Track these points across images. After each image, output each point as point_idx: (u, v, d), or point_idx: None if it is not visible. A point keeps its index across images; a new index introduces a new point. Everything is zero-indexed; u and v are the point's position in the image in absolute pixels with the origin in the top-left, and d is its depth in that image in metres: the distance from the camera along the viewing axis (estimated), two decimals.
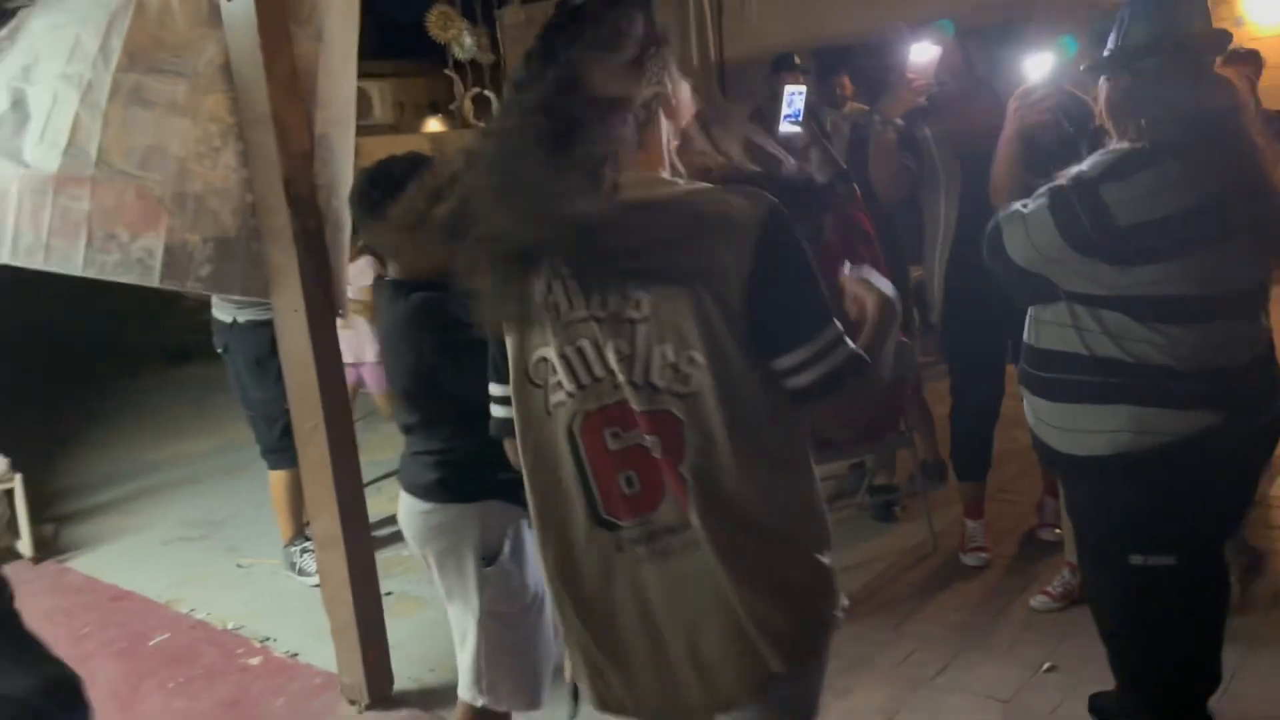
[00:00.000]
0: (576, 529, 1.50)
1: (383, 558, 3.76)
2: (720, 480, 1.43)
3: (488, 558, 2.20)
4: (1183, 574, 2.16)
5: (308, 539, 4.06)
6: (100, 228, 2.84)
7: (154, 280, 2.87)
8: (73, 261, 2.90)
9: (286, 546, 4.09)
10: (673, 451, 1.43)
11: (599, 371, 1.45)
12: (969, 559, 3.60)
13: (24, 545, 4.41)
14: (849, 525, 3.96)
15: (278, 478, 4.04)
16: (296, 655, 3.43)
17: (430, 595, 3.79)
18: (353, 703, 3.08)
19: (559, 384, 1.47)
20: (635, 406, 1.43)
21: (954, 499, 3.79)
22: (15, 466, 4.42)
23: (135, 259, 2.86)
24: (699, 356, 1.41)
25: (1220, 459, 2.13)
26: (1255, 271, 2.11)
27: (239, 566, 4.25)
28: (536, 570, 2.21)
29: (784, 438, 1.50)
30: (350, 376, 4.35)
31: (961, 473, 3.72)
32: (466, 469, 2.16)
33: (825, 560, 1.53)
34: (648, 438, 1.43)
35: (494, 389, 1.62)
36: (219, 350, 4.05)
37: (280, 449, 3.97)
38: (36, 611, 3.90)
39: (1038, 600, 3.23)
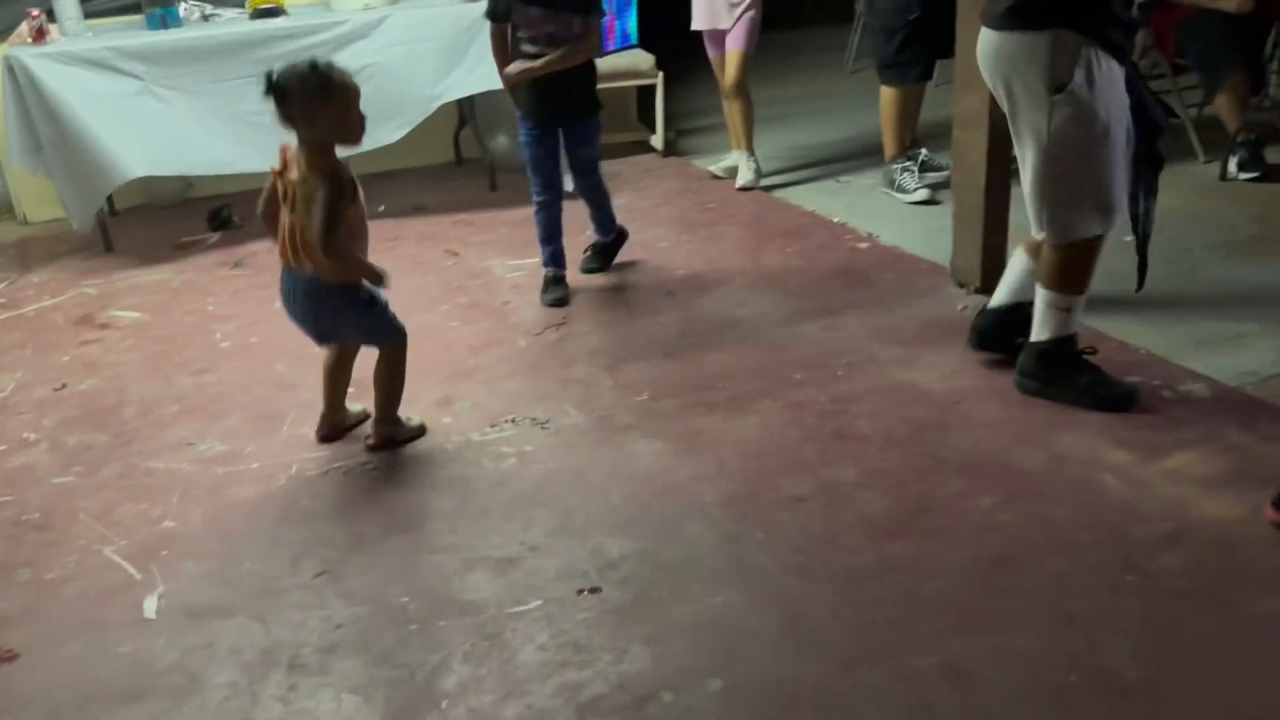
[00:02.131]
0: None
1: None
2: None
3: (1058, 86, 2.25)
4: None
5: (909, 158, 4.18)
6: None
7: None
8: None
9: (888, 163, 4.24)
10: None
11: None
12: None
13: (656, 140, 5.06)
14: None
15: (888, 94, 4.14)
16: (900, 250, 3.64)
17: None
18: (961, 285, 3.22)
19: None
20: None
21: None
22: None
23: None
24: None
25: None
26: None
27: (838, 181, 4.52)
28: (1108, 101, 2.27)
29: None
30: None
31: None
32: None
33: None
34: None
35: None
36: None
37: (895, 64, 4.05)
38: (669, 189, 4.57)
39: None
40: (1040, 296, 2.51)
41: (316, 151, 2.27)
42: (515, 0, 3.14)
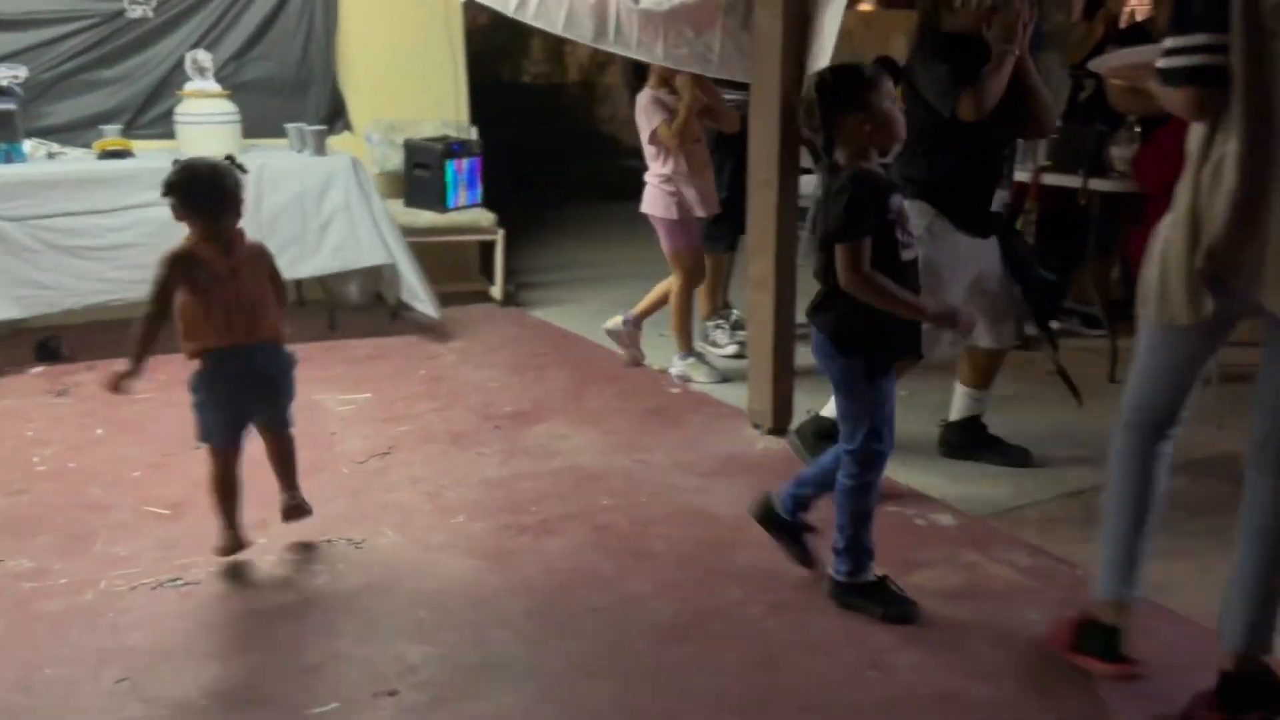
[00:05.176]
0: None
1: None
2: None
3: None
4: None
5: (722, 316, 4.61)
6: (673, 28, 3.51)
7: (713, 70, 3.60)
8: (655, 53, 3.65)
9: (704, 320, 4.66)
10: None
11: None
12: None
13: (495, 291, 5.37)
14: None
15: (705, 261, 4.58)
16: (708, 395, 3.99)
17: None
18: (756, 426, 3.57)
19: None
20: None
21: None
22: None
23: (698, 53, 3.55)
24: None
25: None
26: None
27: (661, 335, 4.89)
28: (947, 259, 2.95)
29: None
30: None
31: None
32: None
33: None
34: None
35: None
36: None
37: (710, 236, 4.50)
38: (504, 335, 4.86)
39: None
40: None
41: None
42: None
